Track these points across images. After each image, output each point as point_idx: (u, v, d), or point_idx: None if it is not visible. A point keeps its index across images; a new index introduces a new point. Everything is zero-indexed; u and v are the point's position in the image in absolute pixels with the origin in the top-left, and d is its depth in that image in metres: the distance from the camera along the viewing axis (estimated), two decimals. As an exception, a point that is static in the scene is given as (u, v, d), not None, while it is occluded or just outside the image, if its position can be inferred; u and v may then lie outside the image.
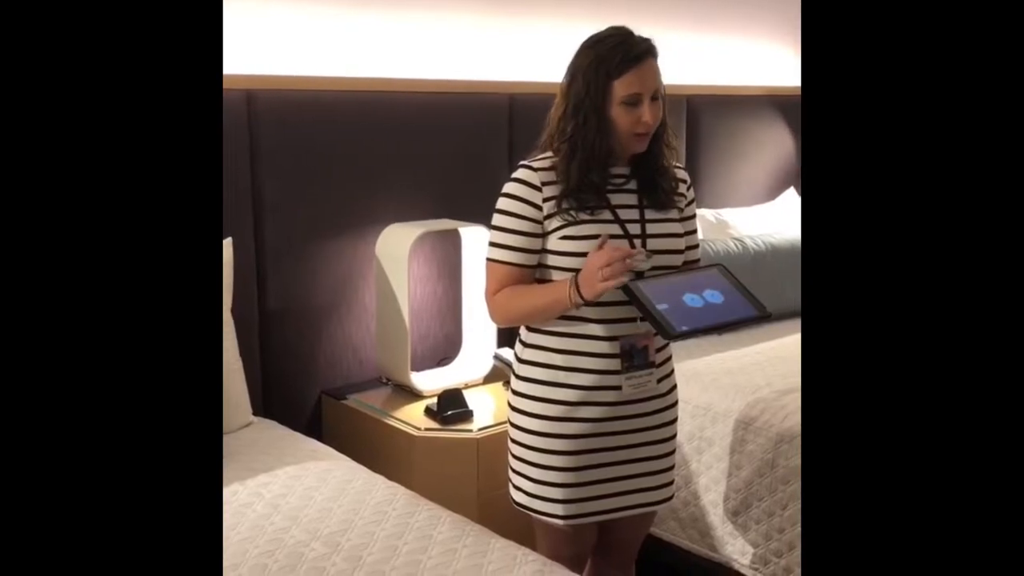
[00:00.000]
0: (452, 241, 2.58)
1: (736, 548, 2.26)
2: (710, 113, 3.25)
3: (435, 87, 2.54)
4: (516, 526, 1.86)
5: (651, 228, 1.71)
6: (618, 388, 1.68)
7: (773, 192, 3.51)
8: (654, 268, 1.66)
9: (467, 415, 2.21)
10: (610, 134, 1.67)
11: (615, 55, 1.63)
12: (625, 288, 1.58)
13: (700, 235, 2.98)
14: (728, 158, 3.36)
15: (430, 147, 2.54)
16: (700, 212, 3.11)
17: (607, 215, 1.69)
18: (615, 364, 1.67)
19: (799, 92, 3.64)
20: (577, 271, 1.62)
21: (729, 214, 3.16)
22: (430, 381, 2.40)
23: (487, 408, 2.30)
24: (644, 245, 1.68)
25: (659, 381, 1.74)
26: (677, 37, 3.17)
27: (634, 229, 1.69)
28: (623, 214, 1.70)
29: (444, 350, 2.63)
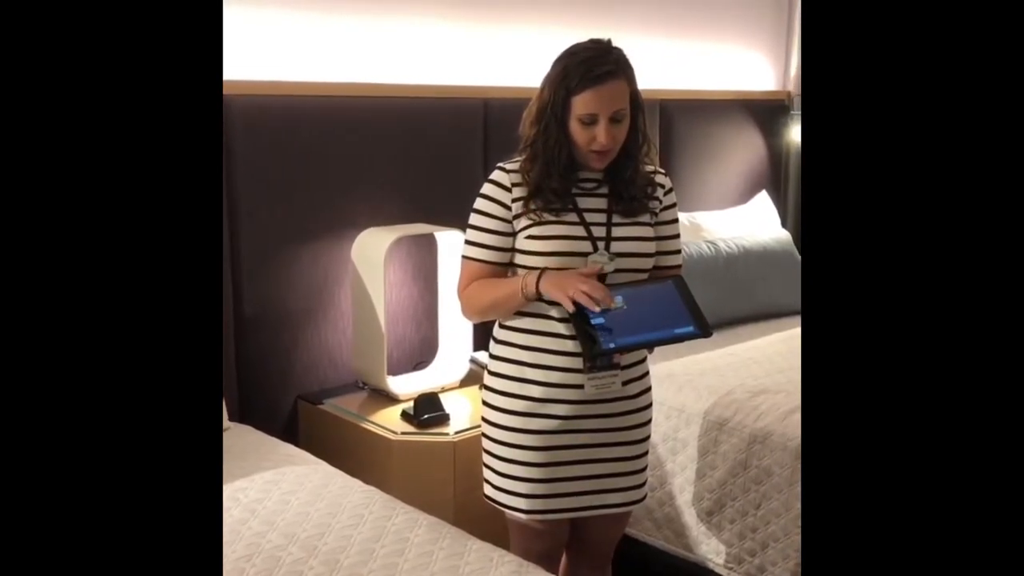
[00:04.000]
0: (428, 245, 2.59)
1: (711, 548, 2.29)
2: (683, 117, 3.28)
3: (410, 91, 2.55)
4: (493, 528, 1.88)
5: (617, 231, 1.74)
6: (581, 387, 1.71)
7: (746, 195, 3.55)
8: (618, 271, 1.69)
9: (443, 419, 2.23)
10: (569, 145, 1.70)
11: (578, 72, 1.65)
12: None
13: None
14: (701, 162, 3.39)
15: (405, 151, 2.55)
16: (674, 215, 3.14)
17: (573, 217, 1.72)
18: (579, 363, 1.70)
19: (771, 97, 3.69)
20: (542, 270, 1.66)
21: (702, 217, 3.20)
22: (407, 385, 2.41)
23: (463, 411, 2.31)
24: (607, 248, 1.71)
25: (626, 383, 1.76)
26: (651, 42, 3.20)
27: (599, 232, 1.72)
28: (590, 217, 1.73)
29: (420, 354, 2.64)
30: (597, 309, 1.59)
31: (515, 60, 2.80)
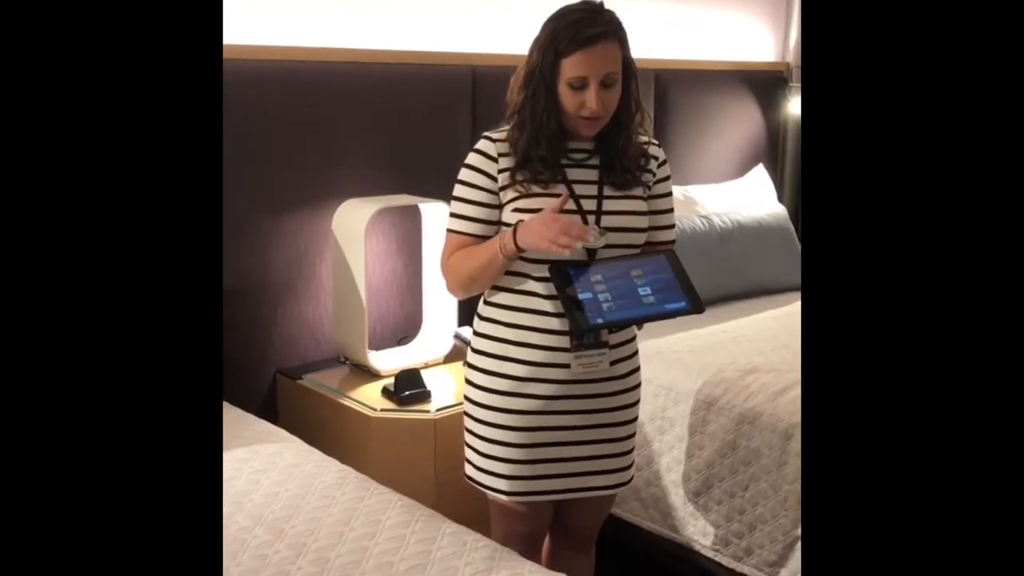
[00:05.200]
0: (413, 217, 2.52)
1: (697, 529, 2.24)
2: (679, 88, 3.20)
3: (395, 58, 2.47)
4: (475, 509, 1.83)
5: (608, 205, 1.67)
6: (567, 366, 1.65)
7: (742, 169, 3.47)
8: (609, 246, 1.63)
9: (425, 396, 2.17)
10: (558, 112, 1.63)
11: (568, 33, 1.58)
12: (553, 269, 1.56)
13: (668, 212, 2.97)
14: (697, 134, 3.31)
15: (390, 120, 2.47)
16: (667, 189, 3.07)
17: (562, 189, 1.65)
18: (565, 341, 1.64)
19: (770, 68, 3.60)
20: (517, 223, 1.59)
21: (696, 191, 3.13)
22: (389, 360, 2.35)
23: (446, 388, 2.25)
24: (598, 222, 1.65)
25: (614, 363, 1.70)
26: (646, 8, 3.11)
27: (589, 205, 1.66)
28: (580, 190, 1.66)
29: (404, 328, 2.58)
30: (579, 246, 1.52)
31: (505, 26, 2.71)
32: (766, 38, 3.63)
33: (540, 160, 1.64)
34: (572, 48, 1.58)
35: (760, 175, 3.43)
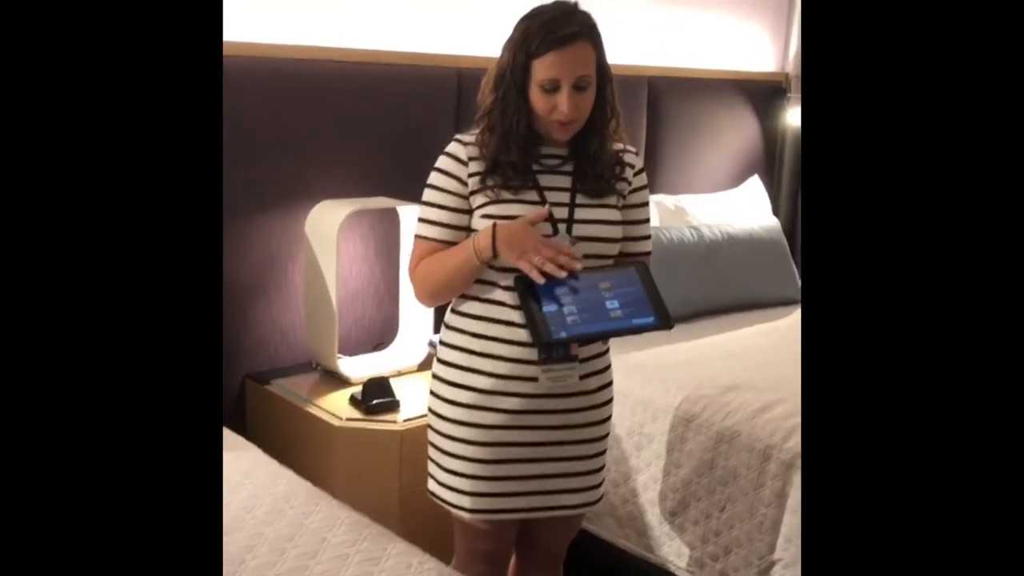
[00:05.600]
0: (391, 220, 2.46)
1: (672, 550, 2.17)
2: (673, 96, 3.13)
3: (378, 58, 2.41)
4: (439, 524, 1.78)
5: (580, 213, 1.61)
6: (535, 380, 1.59)
7: (736, 179, 3.40)
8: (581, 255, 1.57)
9: (393, 405, 2.10)
10: (529, 115, 1.57)
11: (540, 33, 1.53)
12: (519, 278, 1.51)
13: (656, 222, 2.91)
14: (690, 143, 3.24)
15: (372, 122, 2.41)
16: (658, 199, 3.01)
17: (533, 196, 1.59)
18: (533, 354, 1.58)
19: (769, 78, 3.53)
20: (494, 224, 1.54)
21: (688, 201, 3.06)
22: (360, 367, 2.29)
23: (417, 397, 2.19)
24: (569, 231, 1.59)
25: (584, 378, 1.64)
26: (640, 13, 3.04)
27: (560, 213, 1.60)
28: (552, 196, 1.61)
29: (381, 334, 2.52)
30: (564, 275, 1.48)
31: (492, 28, 2.64)
32: (766, 47, 3.57)
33: (510, 165, 1.59)
34: (544, 49, 1.52)
35: (755, 186, 3.36)
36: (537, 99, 1.55)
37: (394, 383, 2.16)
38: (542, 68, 1.53)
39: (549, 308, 1.50)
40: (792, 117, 3.49)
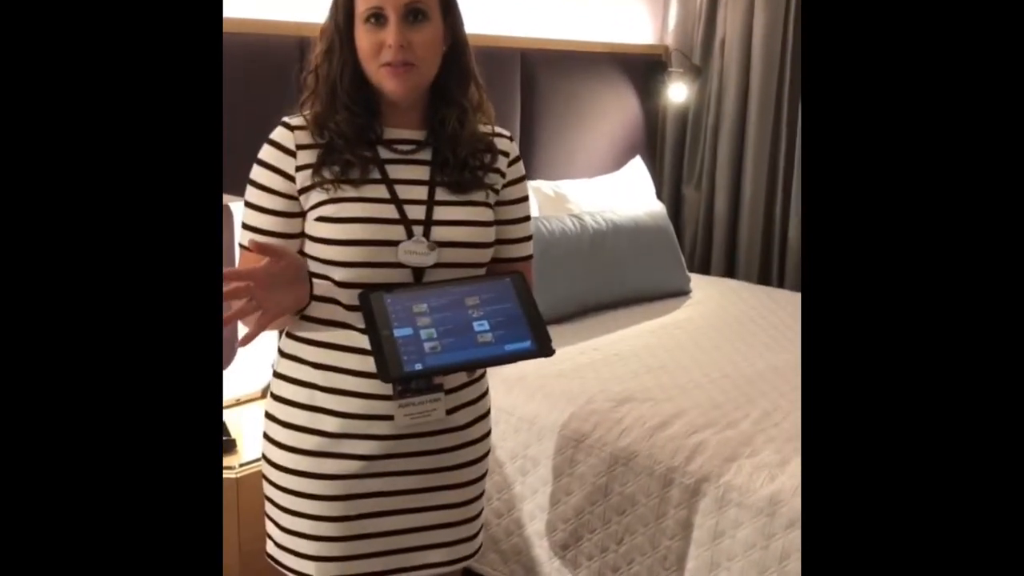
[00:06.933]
0: (226, 220, 2.08)
1: (565, 587, 1.91)
2: (549, 71, 2.86)
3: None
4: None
5: (440, 213, 1.31)
6: (391, 418, 1.29)
7: (618, 161, 3.17)
8: (441, 265, 1.27)
9: (228, 445, 1.74)
10: (355, 64, 1.29)
11: None
12: (363, 297, 1.21)
13: (535, 211, 2.63)
14: (568, 122, 2.99)
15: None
16: (536, 184, 2.74)
17: (380, 191, 1.28)
18: (387, 387, 1.27)
19: (648, 51, 3.31)
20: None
21: (567, 187, 2.81)
22: (191, 396, 1.91)
23: (258, 434, 1.83)
24: (427, 234, 1.28)
25: (452, 412, 1.34)
26: (510, -19, 2.75)
27: (415, 213, 1.30)
28: (404, 192, 1.30)
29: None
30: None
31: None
32: (644, 18, 3.34)
33: (340, 137, 1.28)
34: None
35: (637, 168, 3.14)
36: (362, 39, 1.27)
37: (230, 416, 1.80)
38: None
39: (402, 332, 1.20)
40: (674, 93, 3.28)
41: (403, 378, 1.21)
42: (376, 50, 1.26)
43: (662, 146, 3.40)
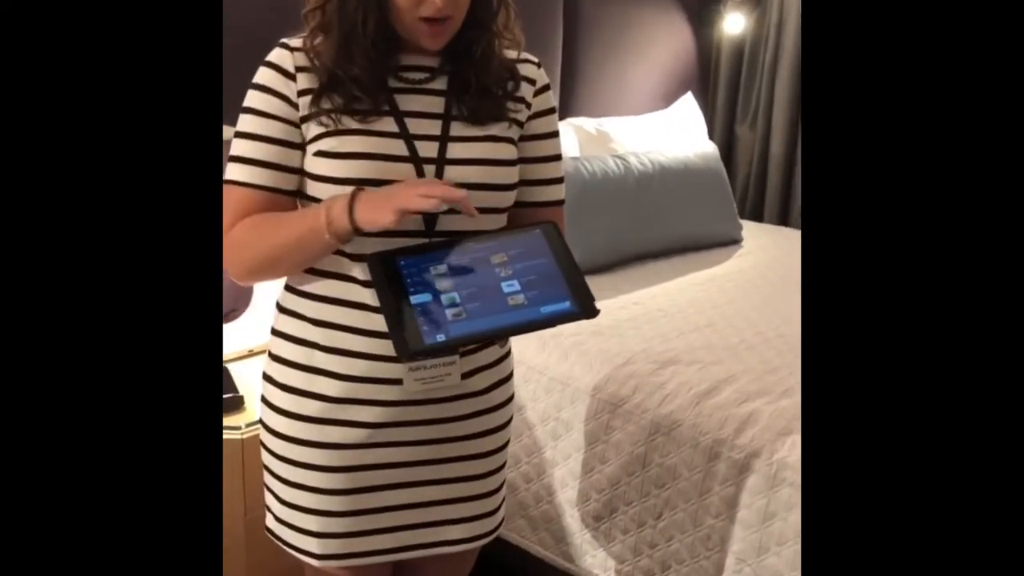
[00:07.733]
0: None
1: (597, 561, 1.77)
2: (593, 2, 2.64)
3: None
4: (296, 560, 1.32)
5: (456, 150, 1.15)
6: (400, 382, 1.16)
7: (668, 98, 2.96)
8: (455, 211, 1.12)
9: (234, 403, 1.61)
10: (382, 10, 1.11)
11: None
12: (374, 260, 1.05)
13: (575, 151, 2.44)
14: (614, 54, 2.78)
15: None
16: (577, 122, 2.55)
17: (388, 125, 1.13)
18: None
19: (702, -23, 3.05)
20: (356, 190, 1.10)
21: (612, 124, 2.61)
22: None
23: (270, 387, 1.70)
24: (439, 174, 1.13)
25: (468, 376, 1.19)
26: None
27: (427, 150, 1.15)
28: (415, 126, 1.15)
29: (232, 301, 2.00)
30: (441, 208, 1.05)
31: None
32: (699, -59, 3.07)
33: (354, 81, 1.12)
34: None
35: (688, 105, 2.92)
36: None
37: (237, 370, 1.66)
38: None
39: (420, 299, 1.05)
40: (730, 24, 3.03)
41: (424, 352, 1.05)
42: (416, 4, 1.08)
43: (715, 82, 3.16)
